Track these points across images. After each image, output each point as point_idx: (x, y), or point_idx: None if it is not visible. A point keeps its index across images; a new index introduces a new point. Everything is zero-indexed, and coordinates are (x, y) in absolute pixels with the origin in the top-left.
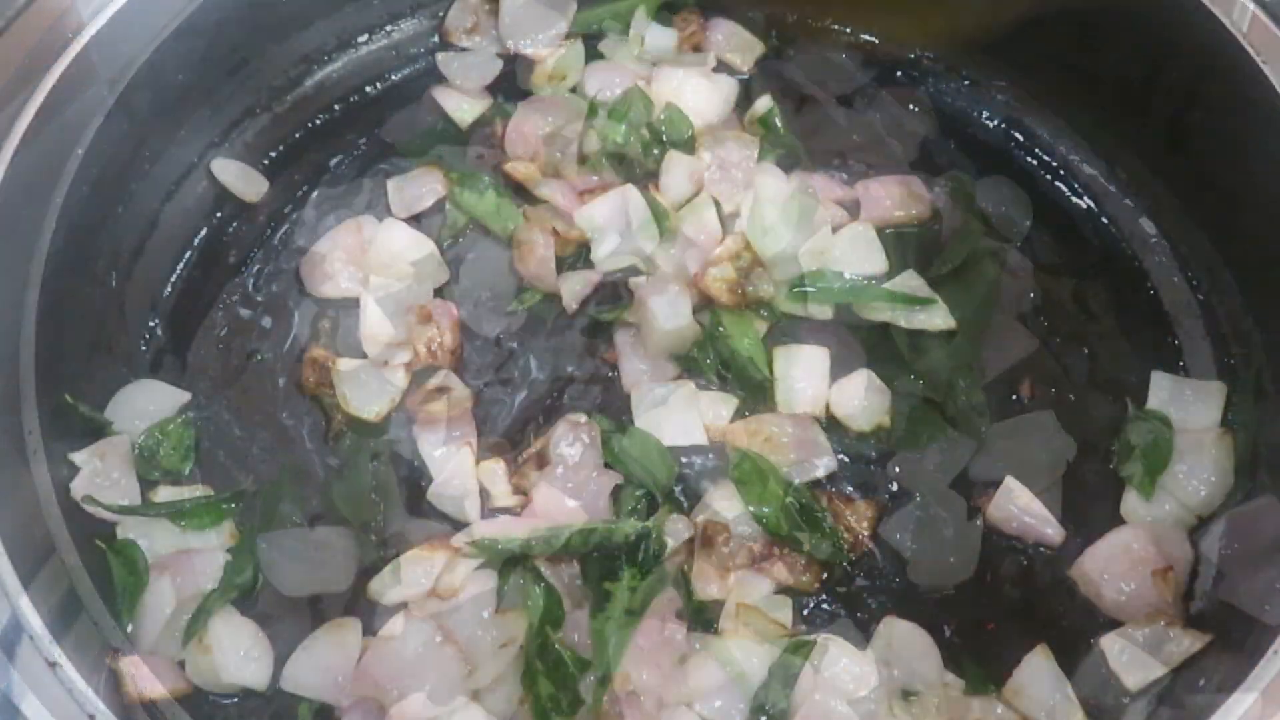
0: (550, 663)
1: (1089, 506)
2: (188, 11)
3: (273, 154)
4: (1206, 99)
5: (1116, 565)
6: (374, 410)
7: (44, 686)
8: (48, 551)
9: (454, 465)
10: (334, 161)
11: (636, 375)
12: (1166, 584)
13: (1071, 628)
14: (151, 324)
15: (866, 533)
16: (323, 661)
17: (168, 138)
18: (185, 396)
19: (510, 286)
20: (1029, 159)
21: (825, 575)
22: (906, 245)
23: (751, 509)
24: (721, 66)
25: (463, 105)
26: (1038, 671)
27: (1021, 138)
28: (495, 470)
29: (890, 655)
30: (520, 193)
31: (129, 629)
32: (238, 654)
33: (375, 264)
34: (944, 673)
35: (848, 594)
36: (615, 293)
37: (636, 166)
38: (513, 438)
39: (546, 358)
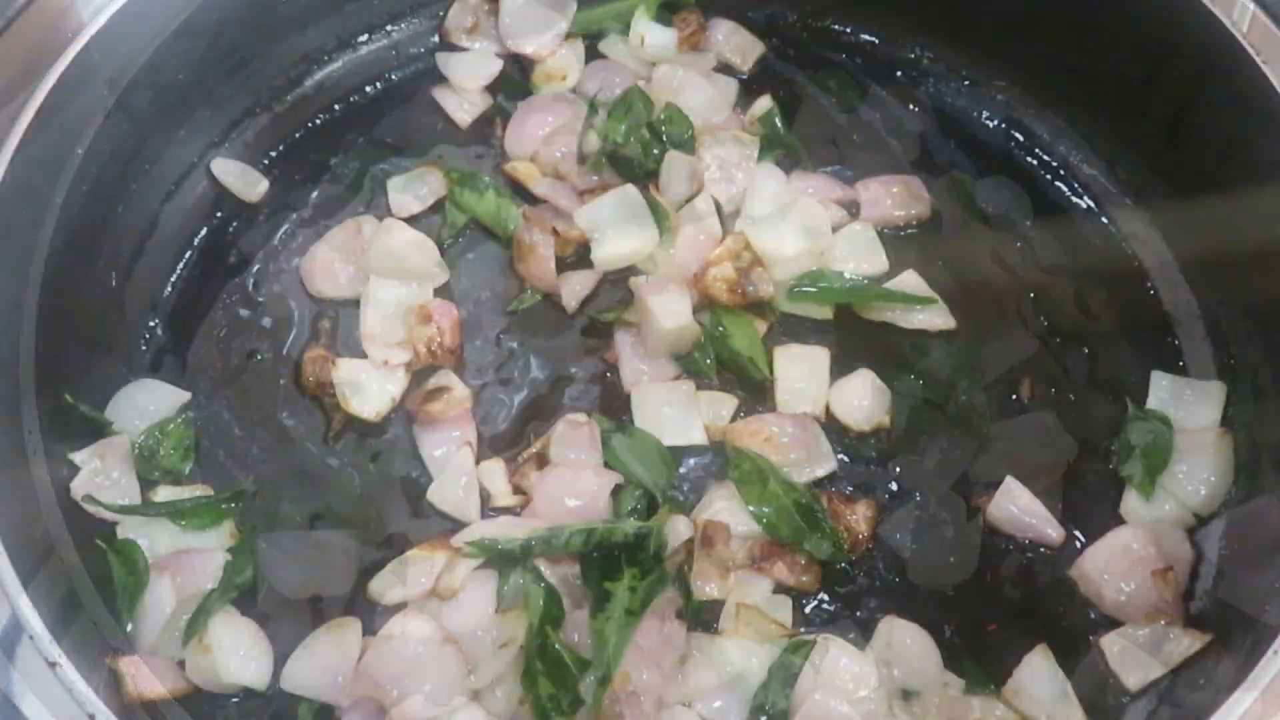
0: (550, 663)
1: (1089, 506)
2: (188, 11)
3: (273, 154)
4: (1206, 99)
5: (1116, 565)
6: (374, 410)
7: (44, 686)
8: (48, 551)
9: (454, 465)
10: (334, 161)
11: (636, 375)
12: (1166, 584)
13: (1071, 628)
14: (151, 324)
15: (866, 533)
16: (323, 661)
17: (168, 138)
18: (185, 396)
19: (510, 286)
20: (1029, 159)
21: (825, 575)
22: (906, 245)
23: (751, 509)
24: (721, 66)
25: (463, 105)
26: (1038, 671)
27: (1021, 138)
28: (495, 470)
29: (890, 655)
30: (520, 193)
31: (129, 629)
32: (238, 654)
33: (375, 264)
34: (944, 673)
35: (848, 594)
36: (615, 293)
37: (636, 166)
38: (513, 438)
39: (546, 358)
